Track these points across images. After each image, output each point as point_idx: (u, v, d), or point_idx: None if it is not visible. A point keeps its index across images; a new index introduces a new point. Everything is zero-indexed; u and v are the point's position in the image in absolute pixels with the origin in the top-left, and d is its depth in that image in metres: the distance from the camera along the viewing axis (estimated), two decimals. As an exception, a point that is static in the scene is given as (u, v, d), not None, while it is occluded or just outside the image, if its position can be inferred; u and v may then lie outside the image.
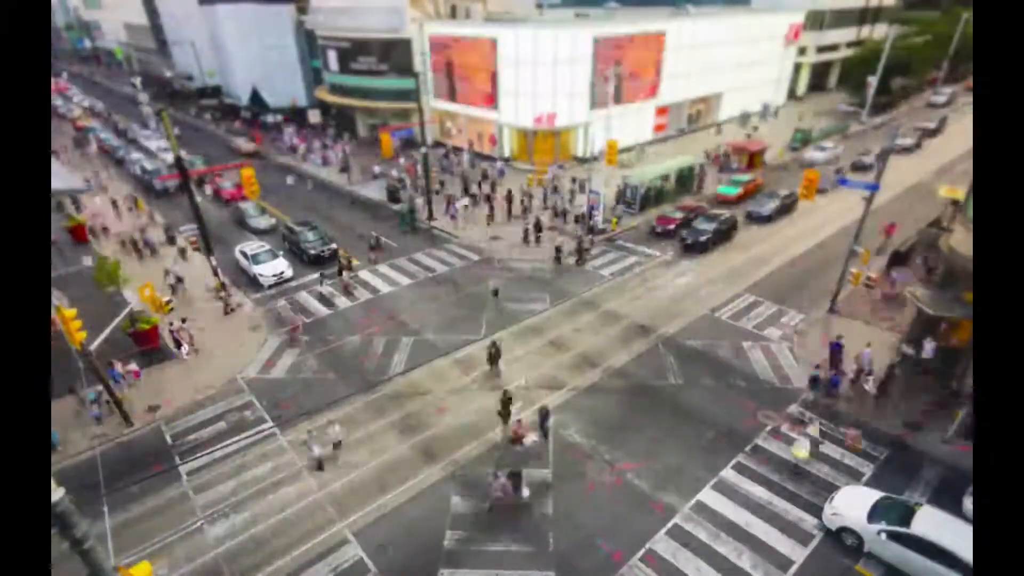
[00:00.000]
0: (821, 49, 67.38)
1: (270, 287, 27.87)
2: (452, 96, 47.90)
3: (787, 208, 34.96)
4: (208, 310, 25.52)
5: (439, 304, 25.91)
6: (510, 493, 15.07)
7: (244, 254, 29.11)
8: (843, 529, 14.29)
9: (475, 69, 44.71)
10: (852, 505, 14.42)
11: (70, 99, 67.38)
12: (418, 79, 33.47)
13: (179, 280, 26.92)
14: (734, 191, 37.02)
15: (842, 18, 67.01)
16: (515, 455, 16.87)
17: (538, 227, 31.48)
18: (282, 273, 28.22)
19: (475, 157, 45.90)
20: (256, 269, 28.02)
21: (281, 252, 29.55)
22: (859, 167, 41.40)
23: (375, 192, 40.19)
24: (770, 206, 34.10)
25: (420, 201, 34.64)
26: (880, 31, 69.42)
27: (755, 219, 33.90)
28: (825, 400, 19.13)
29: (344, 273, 27.52)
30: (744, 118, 45.99)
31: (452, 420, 18.77)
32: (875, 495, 14.66)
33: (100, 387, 18.53)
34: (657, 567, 13.82)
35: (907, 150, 45.81)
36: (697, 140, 50.80)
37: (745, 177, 38.63)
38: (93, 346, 17.44)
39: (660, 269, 28.58)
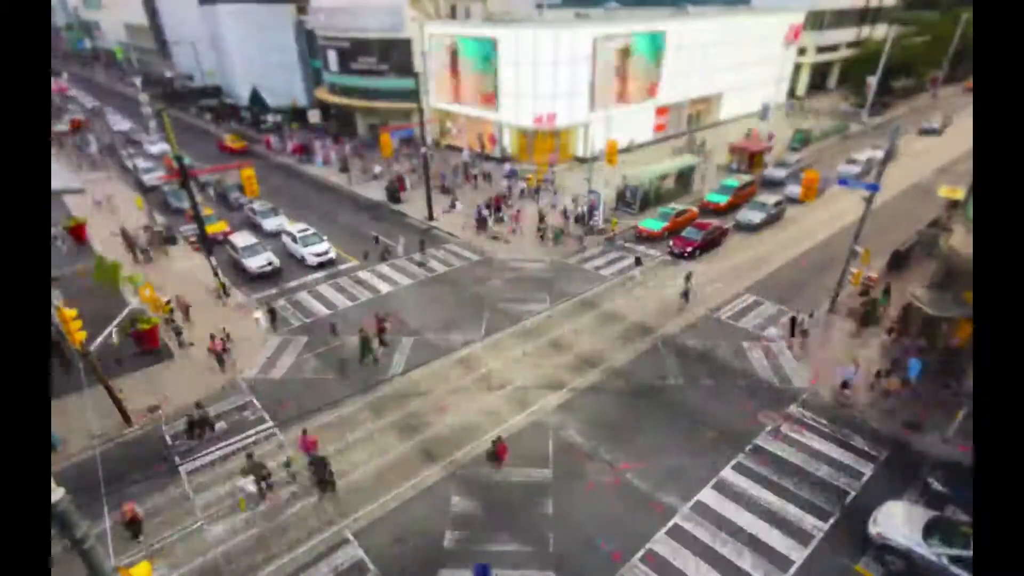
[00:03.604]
0: (821, 49, 67.36)
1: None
2: (456, 96, 47.91)
3: (776, 217, 33.66)
4: (207, 310, 25.50)
5: (439, 304, 25.91)
6: None
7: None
8: (887, 547, 13.56)
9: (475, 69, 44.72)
10: (900, 523, 13.67)
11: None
12: (418, 79, 33.49)
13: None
14: (724, 198, 34.98)
15: (842, 18, 66.97)
16: None
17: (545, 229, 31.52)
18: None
19: (476, 157, 45.86)
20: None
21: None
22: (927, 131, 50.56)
23: (375, 192, 40.21)
24: (759, 216, 32.60)
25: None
26: (880, 31, 69.43)
27: (744, 229, 32.58)
28: None
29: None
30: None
31: (452, 420, 18.77)
32: (921, 513, 14.00)
33: None
34: (657, 567, 13.82)
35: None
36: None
37: (734, 182, 36.14)
38: (93, 346, 17.46)
39: (660, 269, 28.58)
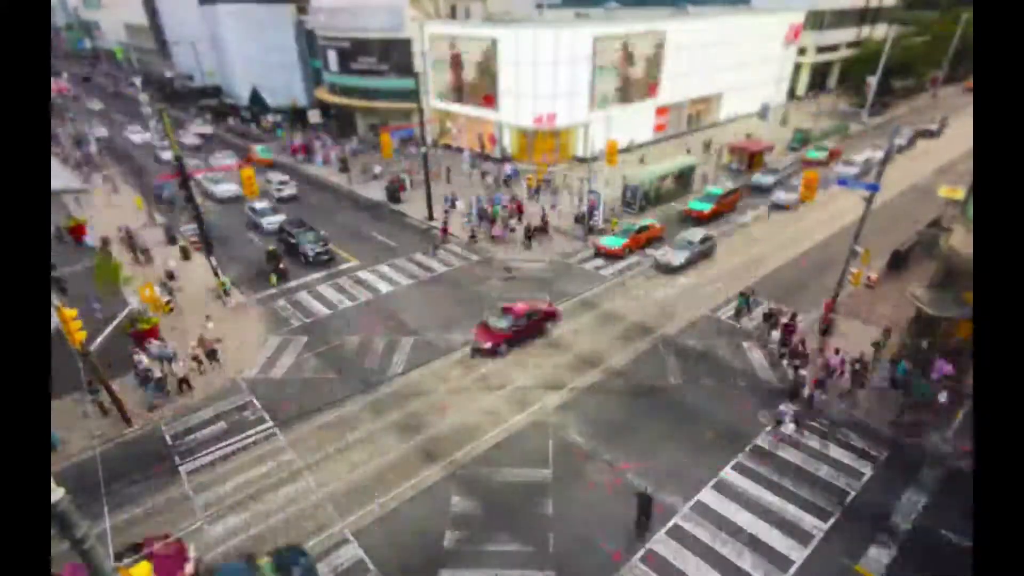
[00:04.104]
0: (821, 49, 67.40)
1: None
2: (459, 96, 47.91)
3: (705, 254, 29.26)
4: (207, 310, 25.49)
5: (439, 304, 25.91)
6: None
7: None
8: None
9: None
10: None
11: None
12: (418, 79, 33.50)
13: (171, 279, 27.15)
14: (707, 206, 33.35)
15: (842, 18, 67.02)
16: None
17: (543, 229, 31.50)
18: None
19: (477, 158, 45.85)
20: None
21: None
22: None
23: (375, 192, 40.22)
24: (682, 256, 27.87)
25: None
26: (880, 31, 69.45)
27: (663, 270, 27.94)
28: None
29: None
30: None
31: (452, 420, 18.77)
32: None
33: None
34: (657, 567, 13.82)
35: None
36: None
37: (718, 190, 34.61)
38: (93, 346, 17.45)
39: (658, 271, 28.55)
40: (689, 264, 28.20)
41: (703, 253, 29.08)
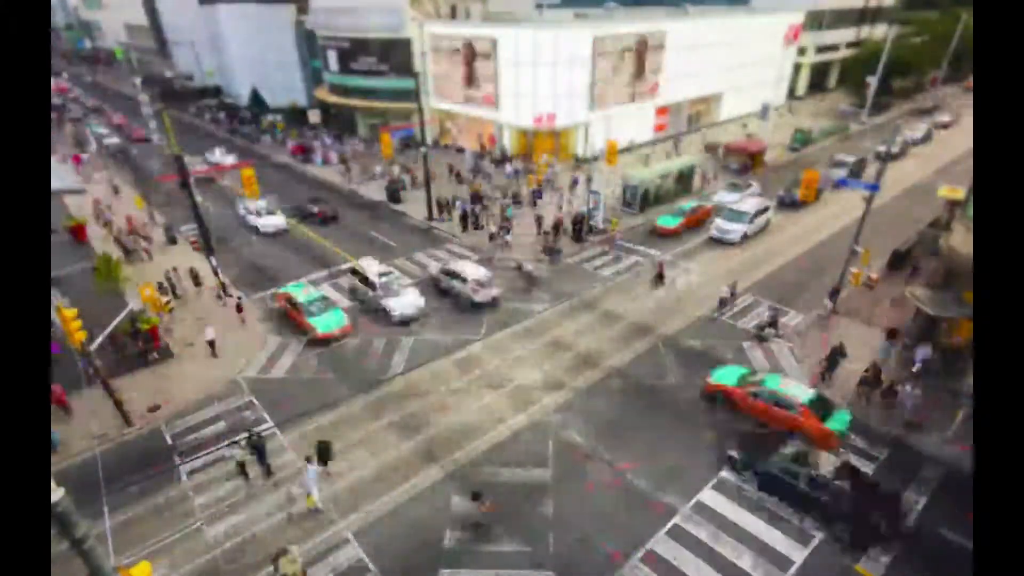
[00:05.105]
0: (821, 49, 67.39)
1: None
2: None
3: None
4: (207, 309, 25.49)
5: (439, 304, 25.90)
6: None
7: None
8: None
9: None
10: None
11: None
12: (418, 79, 33.50)
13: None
14: (675, 221, 32.08)
15: (842, 18, 67.01)
16: None
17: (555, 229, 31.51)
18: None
19: (478, 158, 45.84)
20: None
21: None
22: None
23: (375, 192, 40.19)
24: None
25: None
26: (880, 31, 69.43)
27: None
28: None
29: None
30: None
31: (452, 420, 18.77)
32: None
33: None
34: (657, 567, 13.82)
35: None
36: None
37: (688, 204, 33.62)
38: (93, 346, 17.45)
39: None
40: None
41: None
